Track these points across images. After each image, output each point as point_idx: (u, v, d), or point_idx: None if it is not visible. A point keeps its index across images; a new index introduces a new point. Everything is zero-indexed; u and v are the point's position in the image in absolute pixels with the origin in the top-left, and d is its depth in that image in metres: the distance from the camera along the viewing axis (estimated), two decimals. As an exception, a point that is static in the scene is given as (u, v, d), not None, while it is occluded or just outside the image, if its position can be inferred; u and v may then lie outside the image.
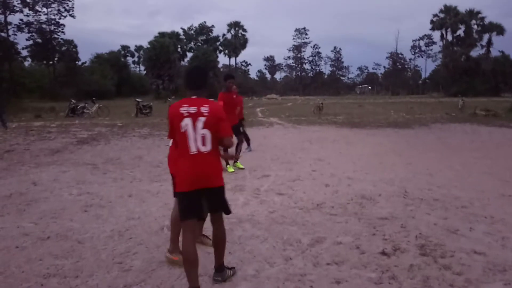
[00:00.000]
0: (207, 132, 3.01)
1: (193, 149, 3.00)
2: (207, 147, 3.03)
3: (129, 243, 4.11)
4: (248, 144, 9.95)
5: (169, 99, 26.52)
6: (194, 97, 3.10)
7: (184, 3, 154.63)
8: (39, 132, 13.89)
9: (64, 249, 3.99)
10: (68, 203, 5.61)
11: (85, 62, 57.89)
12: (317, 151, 10.13)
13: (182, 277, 3.35)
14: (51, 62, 52.09)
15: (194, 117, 3.00)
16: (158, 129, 15.14)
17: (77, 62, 54.69)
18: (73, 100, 23.41)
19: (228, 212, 3.27)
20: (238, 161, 8.06)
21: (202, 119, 2.99)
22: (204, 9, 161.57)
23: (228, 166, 7.73)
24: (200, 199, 3.06)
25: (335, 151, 10.17)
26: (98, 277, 3.39)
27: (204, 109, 3.02)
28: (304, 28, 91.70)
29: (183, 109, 3.02)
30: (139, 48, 78.20)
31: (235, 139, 4.70)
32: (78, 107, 22.43)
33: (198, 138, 3.00)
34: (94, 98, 24.96)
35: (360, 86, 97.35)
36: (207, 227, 3.66)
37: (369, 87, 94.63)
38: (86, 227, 4.61)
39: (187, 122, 2.99)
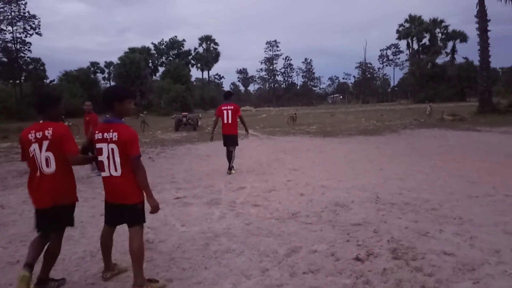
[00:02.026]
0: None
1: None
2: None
3: (102, 263, 4.01)
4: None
5: (141, 115, 26.19)
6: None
7: (153, 19, 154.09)
8: (6, 154, 13.46)
9: (35, 272, 3.86)
10: (37, 225, 5.44)
11: (53, 80, 56.65)
12: (292, 161, 10.23)
13: (157, 295, 3.30)
14: (17, 82, 50.71)
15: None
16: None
17: (45, 81, 53.47)
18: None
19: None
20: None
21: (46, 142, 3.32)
22: (175, 24, 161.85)
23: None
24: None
25: (309, 161, 10.29)
26: (70, 300, 3.30)
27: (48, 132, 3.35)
28: (275, 41, 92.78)
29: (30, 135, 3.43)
30: (109, 64, 77.07)
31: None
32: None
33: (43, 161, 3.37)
34: (63, 117, 24.40)
35: (332, 96, 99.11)
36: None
37: (341, 97, 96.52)
38: (57, 249, 4.48)
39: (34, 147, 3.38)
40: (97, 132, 3.32)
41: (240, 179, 8.12)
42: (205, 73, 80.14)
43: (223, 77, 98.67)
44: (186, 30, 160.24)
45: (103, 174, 3.32)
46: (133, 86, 53.94)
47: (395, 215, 5.28)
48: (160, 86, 54.00)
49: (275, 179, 8.00)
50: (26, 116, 39.64)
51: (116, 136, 3.20)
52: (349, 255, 3.97)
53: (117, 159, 3.22)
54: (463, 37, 65.84)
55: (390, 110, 39.18)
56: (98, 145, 3.30)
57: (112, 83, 67.55)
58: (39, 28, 48.98)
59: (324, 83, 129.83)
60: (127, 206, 3.32)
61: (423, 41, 69.40)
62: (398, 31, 69.81)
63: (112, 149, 3.22)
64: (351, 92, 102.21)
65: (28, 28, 48.30)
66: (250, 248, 4.31)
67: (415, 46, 70.50)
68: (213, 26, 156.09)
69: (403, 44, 77.59)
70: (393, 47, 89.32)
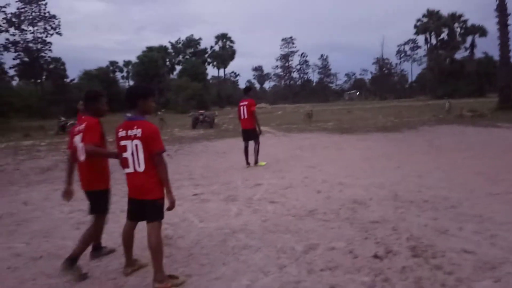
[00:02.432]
0: None
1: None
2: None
3: (122, 259, 4.08)
4: None
5: (159, 113, 26.49)
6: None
7: (170, 18, 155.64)
8: (29, 151, 13.78)
9: (57, 268, 3.96)
10: (59, 221, 5.58)
11: (74, 79, 57.70)
12: (309, 158, 10.20)
13: (176, 290, 3.36)
14: (39, 81, 51.83)
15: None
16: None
17: (65, 80, 54.45)
18: (62, 118, 23.31)
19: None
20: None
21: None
22: (191, 22, 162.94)
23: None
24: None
25: (326, 158, 10.24)
26: (92, 294, 3.38)
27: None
28: (291, 37, 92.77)
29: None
30: (127, 63, 78.09)
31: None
32: (68, 125, 22.31)
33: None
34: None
35: (349, 92, 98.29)
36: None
37: (357, 93, 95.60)
38: (78, 244, 4.59)
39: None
40: (121, 130, 3.44)
41: (257, 176, 8.15)
42: (221, 71, 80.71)
43: (239, 74, 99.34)
44: (202, 28, 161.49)
45: (127, 170, 3.43)
46: (151, 84, 54.59)
47: (413, 213, 5.22)
48: (178, 84, 54.51)
49: (292, 176, 8.00)
50: (47, 114, 40.53)
51: (140, 133, 3.30)
52: (368, 253, 3.96)
53: (141, 155, 3.32)
54: (482, 32, 64.25)
55: (408, 107, 38.64)
56: (122, 142, 3.41)
57: (131, 82, 68.52)
58: (59, 28, 50.07)
59: (340, 79, 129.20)
60: (147, 201, 3.40)
61: (441, 36, 68.15)
62: (416, 26, 68.70)
63: (136, 145, 3.32)
64: (368, 88, 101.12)
65: (49, 28, 49.37)
66: (267, 244, 4.33)
67: (434, 41, 69.36)
68: (229, 23, 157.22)
69: (421, 39, 76.41)
70: (411, 42, 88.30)
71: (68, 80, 55.92)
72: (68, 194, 4.13)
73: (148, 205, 3.41)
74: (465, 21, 65.92)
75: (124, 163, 3.44)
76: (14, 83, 53.36)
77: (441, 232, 4.45)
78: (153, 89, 3.96)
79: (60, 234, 5.00)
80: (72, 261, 3.67)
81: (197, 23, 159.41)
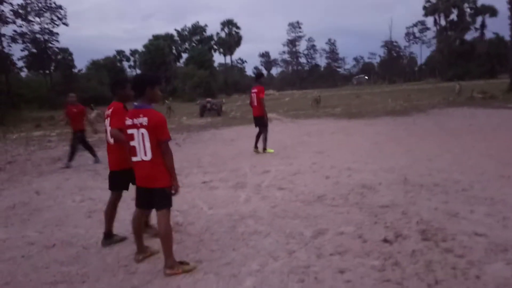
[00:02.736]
0: None
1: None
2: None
3: (134, 246, 4.13)
4: None
5: (166, 101, 26.54)
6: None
7: (176, 5, 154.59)
8: (40, 142, 13.93)
9: (70, 255, 4.04)
10: (71, 210, 5.66)
11: (82, 69, 58.02)
12: (317, 144, 10.17)
13: (188, 277, 3.39)
14: (47, 71, 52.15)
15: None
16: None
17: (73, 70, 54.69)
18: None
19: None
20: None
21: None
22: (196, 9, 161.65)
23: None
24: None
25: (334, 143, 10.19)
26: (104, 281, 3.43)
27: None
28: (297, 22, 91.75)
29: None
30: (134, 52, 78.12)
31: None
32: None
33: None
34: (92, 105, 24.99)
35: (357, 77, 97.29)
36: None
37: (366, 77, 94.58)
38: (90, 232, 4.66)
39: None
40: (127, 118, 3.44)
41: (264, 162, 8.15)
42: (228, 58, 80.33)
43: (245, 61, 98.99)
44: (208, 15, 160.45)
45: (134, 159, 3.44)
46: (158, 72, 54.59)
47: (424, 196, 5.19)
48: (184, 72, 54.44)
49: (300, 162, 7.98)
50: (57, 104, 40.79)
51: (146, 121, 3.30)
52: (377, 237, 3.95)
53: (147, 144, 3.33)
54: (492, 12, 62.78)
55: (418, 90, 38.16)
56: (129, 131, 3.41)
57: (138, 71, 68.56)
58: (66, 18, 50.06)
59: (348, 63, 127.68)
60: (156, 190, 3.41)
61: (450, 17, 66.83)
62: (424, 8, 67.51)
63: (143, 134, 3.32)
64: (376, 72, 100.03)
65: (55, 18, 49.42)
66: (276, 230, 4.34)
67: (443, 22, 68.04)
68: (234, 10, 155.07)
69: (430, 20, 74.86)
70: (419, 24, 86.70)
71: (76, 70, 56.20)
72: None
73: (156, 193, 3.42)
74: (475, 1, 64.51)
75: (132, 152, 3.44)
76: (23, 74, 53.79)
77: (452, 215, 4.42)
78: (160, 77, 4.03)
79: (72, 223, 5.07)
80: (108, 235, 4.26)
81: (203, 10, 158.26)
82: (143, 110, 3.37)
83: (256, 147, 9.45)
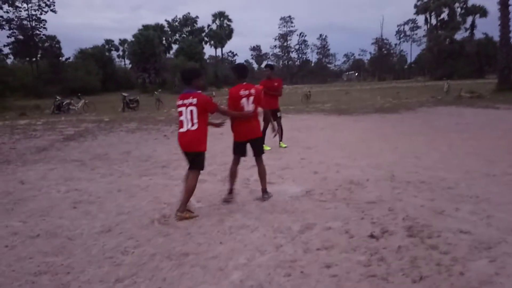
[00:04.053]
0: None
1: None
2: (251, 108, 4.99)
3: (120, 238, 4.11)
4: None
5: (156, 93, 26.28)
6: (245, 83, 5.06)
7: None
8: (25, 131, 13.70)
9: (54, 246, 3.98)
10: (56, 200, 5.57)
11: (69, 58, 56.84)
12: (306, 139, 10.19)
13: (173, 269, 3.38)
14: (34, 59, 51.13)
15: (249, 96, 4.97)
16: (145, 123, 15.06)
17: (60, 58, 53.59)
18: (58, 97, 23.13)
19: (262, 153, 5.31)
20: (282, 141, 9.40)
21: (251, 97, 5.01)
22: (187, 0, 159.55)
23: (281, 142, 9.28)
24: (245, 146, 5.12)
25: (323, 139, 10.23)
26: (89, 273, 3.39)
27: (253, 90, 5.01)
28: (289, 17, 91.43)
29: (242, 92, 4.93)
30: (123, 41, 76.90)
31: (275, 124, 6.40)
32: (64, 104, 22.19)
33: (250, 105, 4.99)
34: (79, 94, 24.68)
35: (347, 73, 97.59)
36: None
37: (356, 74, 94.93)
38: (75, 223, 4.60)
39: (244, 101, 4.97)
40: (179, 99, 4.56)
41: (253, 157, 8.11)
42: (219, 50, 79.75)
43: (236, 54, 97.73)
44: (199, 6, 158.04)
45: (181, 130, 4.55)
46: (147, 63, 54.00)
47: (410, 193, 5.24)
48: (174, 64, 53.83)
49: (289, 157, 7.99)
50: (43, 93, 40.17)
51: (196, 101, 4.45)
52: (364, 233, 3.98)
53: (195, 117, 4.44)
54: (483, 12, 63.40)
55: (407, 88, 38.46)
56: (179, 109, 4.52)
57: (127, 61, 67.85)
58: (54, 5, 49.01)
59: (339, 60, 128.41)
60: (194, 153, 4.58)
61: (441, 16, 67.32)
62: (416, 6, 67.79)
63: (191, 110, 4.45)
64: (366, 69, 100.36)
65: (43, 5, 48.32)
66: (264, 224, 4.34)
67: (433, 21, 68.58)
68: (226, 1, 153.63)
69: (420, 19, 75.32)
70: (410, 22, 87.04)
71: (63, 59, 55.19)
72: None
73: (194, 156, 4.58)
74: (465, 1, 65.06)
75: (180, 124, 4.56)
76: (8, 61, 52.60)
77: (438, 212, 4.47)
78: (202, 71, 5.47)
79: (57, 213, 5.00)
80: (264, 191, 5.21)
81: (194, 1, 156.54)
82: (192, 93, 4.52)
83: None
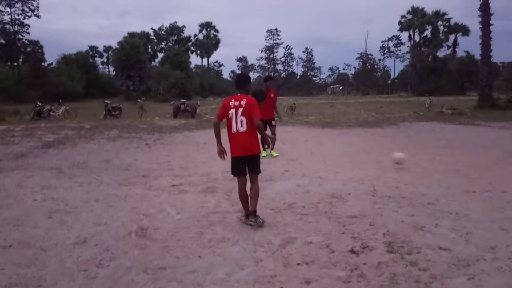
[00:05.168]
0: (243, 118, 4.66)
1: (233, 130, 4.69)
2: (244, 128, 4.66)
3: (95, 249, 3.99)
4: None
5: (139, 100, 26.04)
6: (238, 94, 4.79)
7: (154, 3, 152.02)
8: (2, 136, 13.36)
9: (27, 257, 3.84)
10: (32, 209, 5.41)
11: (52, 63, 56.02)
12: (289, 151, 10.19)
13: (149, 284, 3.29)
14: (15, 64, 50.24)
15: (238, 108, 4.66)
16: (127, 131, 14.87)
17: (43, 63, 52.71)
18: (38, 103, 22.69)
19: (258, 172, 4.88)
20: (273, 150, 9.57)
21: (241, 109, 4.65)
22: (175, 9, 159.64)
23: (263, 151, 8.96)
24: (244, 163, 4.76)
25: (307, 151, 10.25)
26: (62, 286, 3.28)
27: (243, 102, 4.68)
28: (276, 29, 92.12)
29: (231, 103, 4.72)
30: (108, 48, 76.27)
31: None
32: (44, 110, 21.77)
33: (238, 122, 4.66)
34: (60, 100, 24.27)
35: (332, 87, 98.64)
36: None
37: (340, 87, 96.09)
38: (50, 234, 4.45)
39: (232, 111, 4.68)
40: (231, 101, 4.71)
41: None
42: (205, 60, 79.75)
43: (222, 64, 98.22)
44: (186, 15, 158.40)
45: (233, 131, 4.67)
46: (132, 71, 53.56)
47: (391, 208, 5.25)
48: (159, 72, 53.57)
49: (272, 169, 7.96)
50: (24, 98, 39.34)
51: (245, 103, 4.62)
52: (344, 248, 3.96)
53: (244, 119, 4.60)
54: (465, 31, 65.25)
55: (390, 102, 39.06)
56: (230, 111, 4.65)
57: (111, 68, 67.20)
58: (38, 10, 48.41)
59: (324, 73, 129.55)
60: (257, 156, 4.84)
61: (425, 34, 68.87)
62: (400, 23, 69.23)
63: (241, 112, 4.61)
64: (351, 83, 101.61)
65: (27, 9, 47.70)
66: (244, 237, 4.28)
67: (417, 38, 69.99)
68: (214, 11, 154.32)
69: (404, 36, 76.76)
70: (394, 38, 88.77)
71: (46, 64, 54.32)
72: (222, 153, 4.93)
73: (257, 158, 4.84)
74: (448, 19, 66.84)
75: (228, 126, 4.70)
76: (-11, 65, 51.58)
77: (418, 228, 4.48)
78: (250, 77, 5.56)
79: (32, 223, 4.84)
80: (253, 213, 4.69)
81: (181, 10, 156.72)
82: (244, 96, 4.72)
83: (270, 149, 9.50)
